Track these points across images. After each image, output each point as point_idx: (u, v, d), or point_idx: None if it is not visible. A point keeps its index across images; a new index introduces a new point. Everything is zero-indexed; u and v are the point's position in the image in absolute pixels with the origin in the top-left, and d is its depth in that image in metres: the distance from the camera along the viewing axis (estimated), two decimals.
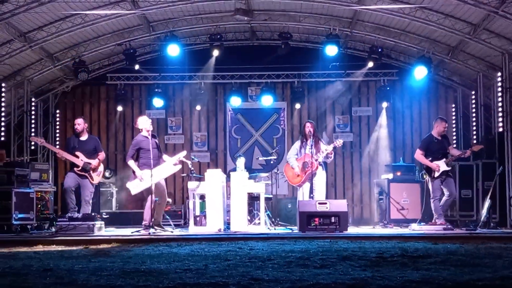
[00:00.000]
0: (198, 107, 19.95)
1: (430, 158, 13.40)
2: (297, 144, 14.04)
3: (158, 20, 17.75)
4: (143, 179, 12.82)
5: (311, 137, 13.56)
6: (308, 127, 13.69)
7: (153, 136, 13.39)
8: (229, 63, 19.12)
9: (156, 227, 12.83)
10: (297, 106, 19.71)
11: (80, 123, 13.42)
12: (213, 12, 17.60)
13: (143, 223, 13.11)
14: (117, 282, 4.91)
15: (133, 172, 13.05)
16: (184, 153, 13.72)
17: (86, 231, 12.67)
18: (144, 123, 13.30)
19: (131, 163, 13.10)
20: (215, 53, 17.91)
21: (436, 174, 13.30)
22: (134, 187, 13.07)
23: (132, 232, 12.90)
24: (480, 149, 14.67)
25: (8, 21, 15.28)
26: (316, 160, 13.42)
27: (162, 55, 19.00)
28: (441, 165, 13.30)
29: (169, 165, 13.33)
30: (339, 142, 13.75)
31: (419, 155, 13.61)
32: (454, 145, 17.33)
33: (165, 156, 13.51)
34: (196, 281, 4.92)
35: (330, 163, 16.08)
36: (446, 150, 13.58)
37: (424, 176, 14.09)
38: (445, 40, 17.49)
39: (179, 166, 13.50)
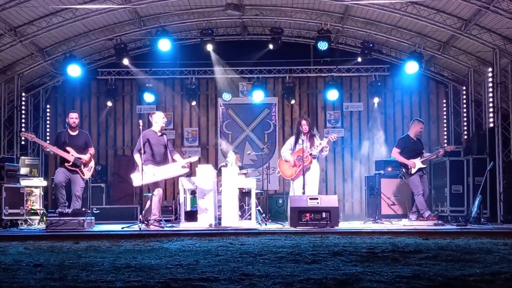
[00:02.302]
0: (193, 103, 19.94)
1: (405, 157, 13.60)
2: (292, 139, 14.03)
3: (149, 15, 17.72)
4: (145, 174, 12.77)
5: (307, 133, 13.63)
6: (305, 125, 13.69)
7: (163, 134, 13.51)
8: (220, 58, 19.12)
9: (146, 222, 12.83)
10: (292, 101, 19.67)
11: (77, 118, 13.41)
12: (204, 7, 17.60)
13: (153, 217, 13.01)
14: (108, 277, 4.90)
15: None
16: (196, 158, 13.80)
17: (77, 227, 12.67)
18: (159, 119, 13.35)
19: (137, 157, 13.00)
20: (209, 47, 17.97)
21: (413, 171, 13.58)
22: (136, 179, 12.98)
23: (122, 228, 12.90)
24: (456, 148, 14.86)
25: None
26: (311, 154, 13.47)
27: (153, 50, 19.03)
28: (417, 163, 13.61)
29: (177, 166, 13.16)
30: (333, 137, 13.81)
31: (395, 153, 13.87)
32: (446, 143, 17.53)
33: (177, 156, 13.37)
34: (187, 276, 4.92)
35: (322, 158, 16.10)
36: (421, 151, 13.89)
37: (403, 177, 14.21)
38: (436, 36, 17.54)
39: (187, 170, 13.35)
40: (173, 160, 13.23)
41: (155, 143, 13.09)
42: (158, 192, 13.01)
